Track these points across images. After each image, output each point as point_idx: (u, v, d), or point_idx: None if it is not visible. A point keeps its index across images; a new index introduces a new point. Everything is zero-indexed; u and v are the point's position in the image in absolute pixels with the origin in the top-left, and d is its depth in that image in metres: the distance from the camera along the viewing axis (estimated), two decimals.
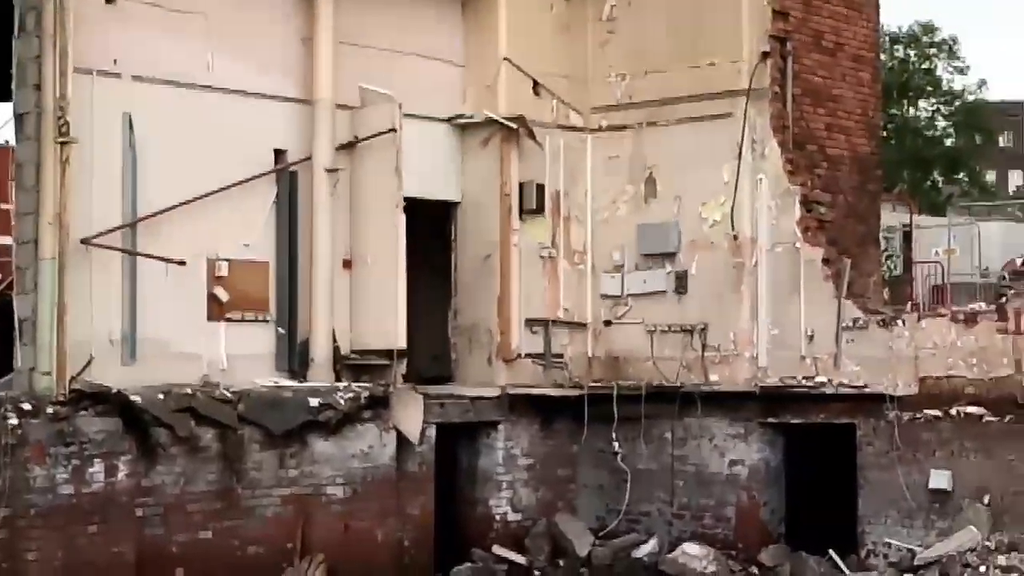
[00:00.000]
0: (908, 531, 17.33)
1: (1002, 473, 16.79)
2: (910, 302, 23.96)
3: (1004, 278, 21.32)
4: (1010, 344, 16.95)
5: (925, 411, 17.34)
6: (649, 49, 19.56)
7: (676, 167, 19.31)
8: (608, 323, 19.87)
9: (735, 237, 18.79)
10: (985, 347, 17.13)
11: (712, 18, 19.00)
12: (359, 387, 17.31)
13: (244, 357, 17.07)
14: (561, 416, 19.46)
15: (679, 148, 19.26)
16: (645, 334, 19.47)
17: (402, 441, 17.57)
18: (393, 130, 17.73)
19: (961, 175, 60.62)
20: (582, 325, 19.97)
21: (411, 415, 17.75)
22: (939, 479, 17.05)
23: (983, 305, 18.22)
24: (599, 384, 19.46)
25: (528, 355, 19.39)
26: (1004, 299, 17.37)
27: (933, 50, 59.28)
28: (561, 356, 19.74)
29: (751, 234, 18.78)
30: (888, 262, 26.69)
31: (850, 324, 18.05)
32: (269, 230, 17.51)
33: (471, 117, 19.28)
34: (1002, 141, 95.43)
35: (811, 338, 18.33)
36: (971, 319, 17.37)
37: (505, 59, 19.25)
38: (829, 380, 18.07)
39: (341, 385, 17.35)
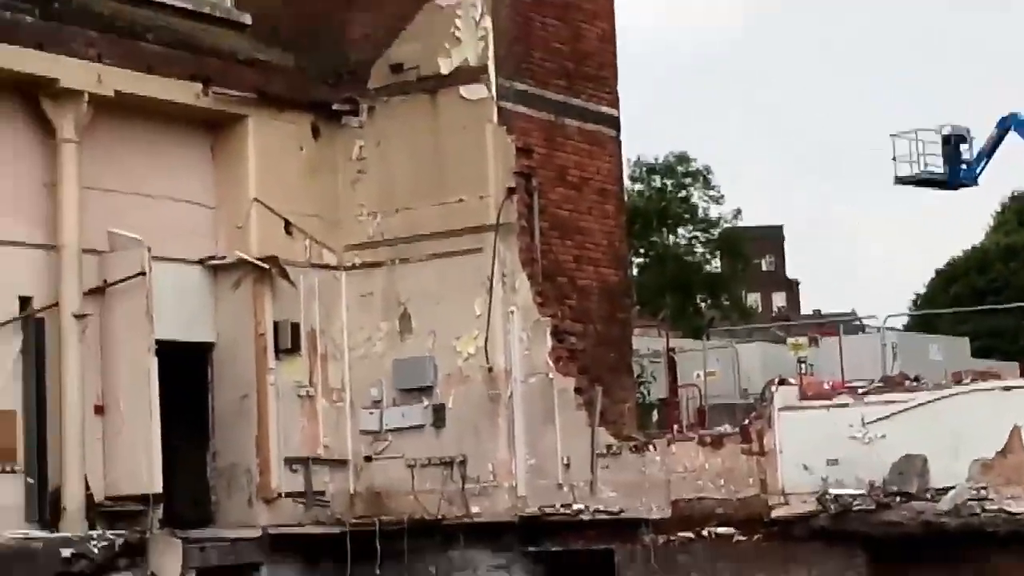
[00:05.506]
0: None
1: None
2: (675, 425, 24.59)
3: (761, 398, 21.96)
4: (754, 464, 17.50)
5: (679, 534, 17.74)
6: (398, 187, 19.87)
7: (429, 302, 19.54)
8: (369, 459, 19.87)
9: (490, 369, 19.04)
10: (732, 468, 17.64)
11: (458, 156, 19.41)
12: (114, 535, 16.88)
13: None
14: (325, 554, 19.30)
15: (431, 283, 19.51)
16: (405, 468, 19.53)
17: None
18: (143, 273, 17.62)
19: (723, 299, 62.48)
20: (343, 462, 19.92)
21: (169, 561, 17.40)
22: None
23: (728, 427, 18.77)
24: (361, 520, 19.41)
25: (289, 494, 19.25)
26: (747, 421, 17.95)
27: (688, 179, 61.32)
28: (323, 493, 19.64)
29: (505, 366, 19.05)
30: (643, 388, 27.34)
31: (604, 451, 18.41)
32: (16, 378, 17.14)
33: (223, 258, 19.28)
34: (764, 265, 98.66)
35: (567, 466, 18.62)
36: (717, 441, 17.89)
37: (255, 200, 19.32)
38: (586, 507, 18.36)
39: (95, 534, 16.91)
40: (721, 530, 17.47)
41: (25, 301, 17.38)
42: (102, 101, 17.82)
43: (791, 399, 17.61)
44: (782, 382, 18.06)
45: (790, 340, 36.52)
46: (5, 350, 17.08)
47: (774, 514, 17.17)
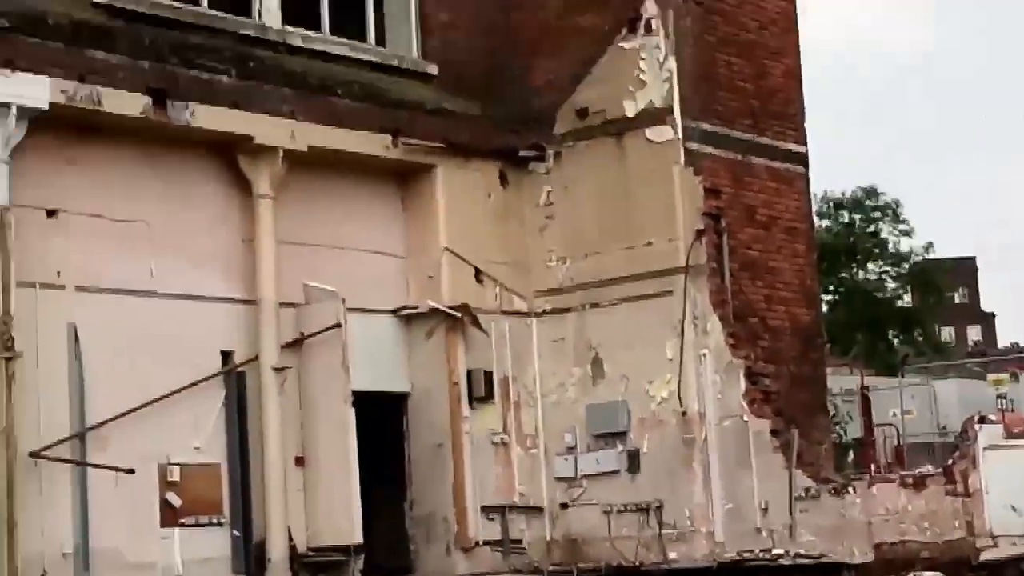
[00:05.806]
0: None
1: None
2: (873, 465, 24.13)
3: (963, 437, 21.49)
4: (959, 506, 17.06)
5: None
6: (586, 232, 19.90)
7: (620, 346, 19.48)
8: (564, 505, 19.84)
9: (683, 413, 18.91)
10: (935, 510, 17.22)
11: (645, 199, 19.36)
12: None
13: (200, 562, 16.92)
14: None
15: (622, 327, 19.46)
16: (601, 514, 19.45)
17: None
18: (338, 325, 17.89)
19: (915, 334, 61.20)
20: (539, 509, 19.92)
21: None
22: None
23: (931, 468, 18.32)
24: (559, 567, 19.38)
25: (486, 542, 19.30)
26: (951, 461, 17.50)
27: (877, 214, 60.34)
28: (520, 541, 19.66)
29: (699, 409, 18.90)
30: (839, 427, 26.88)
31: (802, 494, 18.12)
32: (219, 431, 17.48)
33: (415, 308, 19.47)
34: (957, 298, 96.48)
35: (765, 510, 18.37)
36: (920, 482, 17.48)
37: (446, 249, 19.52)
38: (786, 551, 18.09)
39: None
40: (927, 574, 17.02)
41: (226, 355, 17.74)
42: (296, 156, 18.16)
43: (995, 437, 17.15)
44: (983, 419, 17.60)
45: (990, 376, 35.60)
46: (209, 404, 17.44)
47: (983, 557, 16.72)
